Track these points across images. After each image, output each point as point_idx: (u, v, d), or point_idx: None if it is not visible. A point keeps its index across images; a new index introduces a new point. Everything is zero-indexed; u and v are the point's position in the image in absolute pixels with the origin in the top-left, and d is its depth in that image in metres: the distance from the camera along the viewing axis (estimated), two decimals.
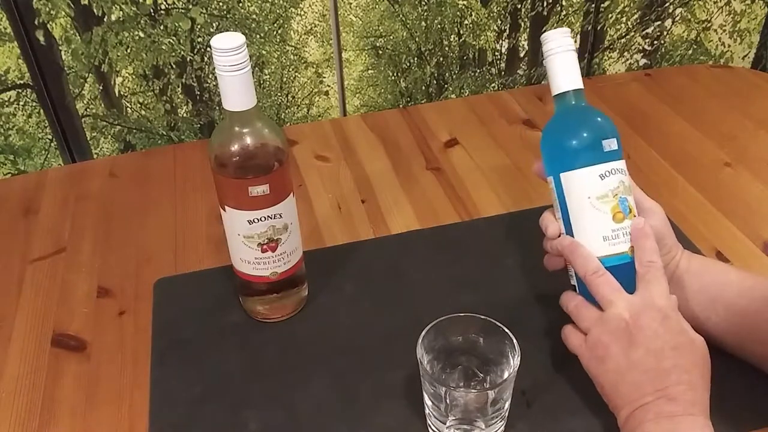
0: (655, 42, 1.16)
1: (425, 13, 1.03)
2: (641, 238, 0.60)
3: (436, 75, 1.10)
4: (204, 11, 0.94)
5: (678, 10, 1.13)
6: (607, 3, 1.10)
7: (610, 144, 0.61)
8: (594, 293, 0.60)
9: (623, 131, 1.01)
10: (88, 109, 0.97)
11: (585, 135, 0.61)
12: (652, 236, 0.61)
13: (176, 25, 0.94)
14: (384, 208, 0.90)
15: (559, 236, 0.64)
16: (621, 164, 0.62)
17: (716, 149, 0.98)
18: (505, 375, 0.59)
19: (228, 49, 0.58)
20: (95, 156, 1.02)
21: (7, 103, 0.93)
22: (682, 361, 0.56)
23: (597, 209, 0.61)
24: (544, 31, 0.64)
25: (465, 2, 1.04)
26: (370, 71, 1.07)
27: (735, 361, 0.64)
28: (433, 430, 0.61)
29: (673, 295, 0.60)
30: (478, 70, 1.11)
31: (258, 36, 0.98)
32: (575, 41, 1.12)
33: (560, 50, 0.63)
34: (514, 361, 0.58)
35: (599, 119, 0.63)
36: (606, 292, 0.59)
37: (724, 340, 0.64)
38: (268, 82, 1.03)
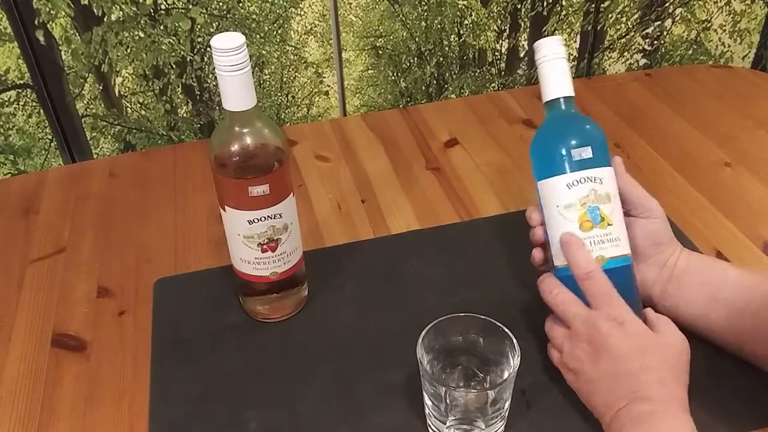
0: (655, 42, 1.16)
1: (425, 13, 1.03)
2: (570, 252, 0.61)
3: (436, 75, 1.10)
4: (204, 11, 0.94)
5: (678, 10, 1.13)
6: (607, 3, 1.10)
7: (582, 153, 0.61)
8: (557, 313, 0.61)
9: (623, 131, 1.02)
10: (88, 109, 0.97)
11: (554, 144, 0.62)
12: (581, 245, 0.61)
13: (176, 25, 0.94)
14: (384, 208, 0.90)
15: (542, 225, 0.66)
16: (596, 172, 0.62)
17: (716, 149, 0.98)
18: (505, 375, 0.59)
19: (228, 49, 0.58)
20: (95, 156, 1.02)
21: (7, 103, 0.93)
22: (650, 360, 0.56)
23: (564, 218, 0.62)
24: (542, 37, 0.66)
25: (465, 2, 1.04)
26: (370, 71, 1.07)
27: (735, 360, 0.64)
28: (433, 430, 0.61)
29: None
30: (478, 70, 1.11)
31: (258, 36, 0.98)
32: (575, 41, 1.12)
33: (550, 58, 0.64)
34: (514, 361, 0.58)
35: (576, 127, 0.63)
36: (565, 310, 0.60)
37: (724, 338, 0.64)
38: (268, 82, 1.03)
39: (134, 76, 0.96)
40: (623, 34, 1.14)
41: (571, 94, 0.64)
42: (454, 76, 1.11)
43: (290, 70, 1.03)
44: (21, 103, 0.94)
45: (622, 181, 0.64)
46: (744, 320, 0.62)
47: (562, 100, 0.64)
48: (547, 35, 1.09)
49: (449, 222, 0.87)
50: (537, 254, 0.67)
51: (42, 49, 0.91)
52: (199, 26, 0.95)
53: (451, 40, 1.07)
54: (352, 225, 0.87)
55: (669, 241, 0.66)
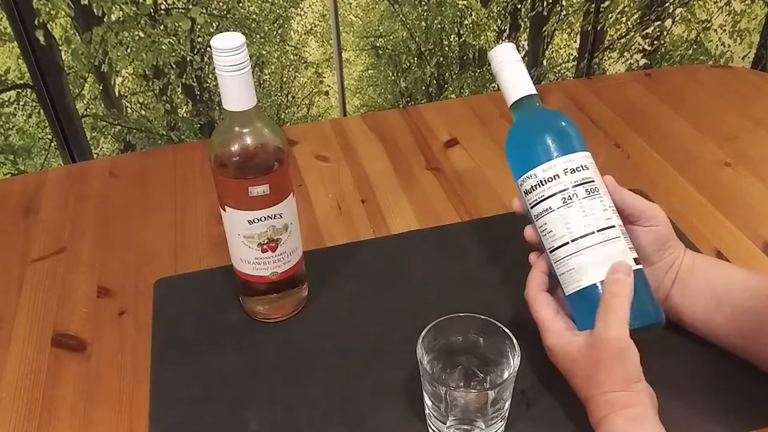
0: (655, 42, 1.16)
1: (425, 13, 1.03)
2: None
3: (436, 75, 1.10)
4: (204, 11, 0.94)
5: (678, 10, 1.13)
6: (607, 3, 1.10)
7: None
8: None
9: (623, 131, 1.02)
10: (88, 109, 0.97)
11: (529, 139, 0.64)
12: (532, 275, 0.64)
13: (176, 25, 0.94)
14: (384, 208, 0.90)
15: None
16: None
17: (716, 149, 0.98)
18: (505, 375, 0.59)
19: (228, 49, 0.58)
20: (95, 156, 1.02)
21: (7, 103, 0.93)
22: (575, 382, 0.59)
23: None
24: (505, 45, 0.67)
25: (465, 2, 1.04)
26: (370, 71, 1.07)
27: (735, 361, 0.64)
28: (433, 430, 0.61)
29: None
30: (478, 70, 1.11)
31: (258, 36, 0.98)
32: (575, 41, 1.12)
33: (507, 63, 0.65)
34: (514, 361, 0.58)
35: (548, 118, 0.64)
36: None
37: (729, 340, 0.64)
38: (268, 82, 1.03)
39: (134, 76, 0.96)
40: (623, 34, 1.14)
41: (534, 92, 0.65)
42: (454, 76, 1.11)
43: (290, 70, 1.03)
44: (21, 103, 0.94)
45: (620, 195, 0.63)
46: (749, 321, 0.62)
47: (531, 97, 0.65)
48: (547, 35, 1.10)
49: (449, 222, 0.87)
50: (528, 232, 0.67)
51: (42, 49, 0.91)
52: (199, 26, 0.95)
53: (451, 40, 1.07)
54: (352, 225, 0.87)
55: (674, 245, 0.65)
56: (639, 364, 0.56)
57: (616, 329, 0.56)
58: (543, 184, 0.61)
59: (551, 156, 0.61)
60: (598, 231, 0.59)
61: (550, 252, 0.61)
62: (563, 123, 0.63)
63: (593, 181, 0.61)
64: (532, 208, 0.62)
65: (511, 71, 0.65)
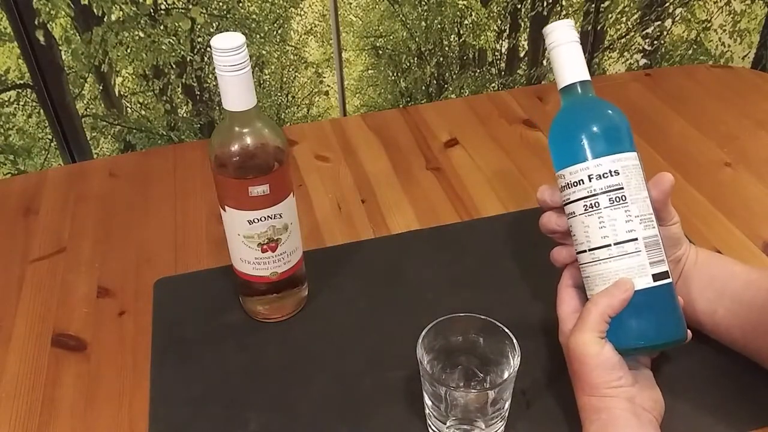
0: (655, 42, 1.16)
1: (425, 13, 1.03)
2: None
3: (436, 75, 1.10)
4: (204, 11, 0.94)
5: (678, 10, 1.13)
6: (607, 3, 1.10)
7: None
8: None
9: None
10: (88, 109, 0.97)
11: (574, 131, 0.59)
12: (564, 281, 0.63)
13: (176, 25, 0.94)
14: (384, 208, 0.90)
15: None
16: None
17: (716, 149, 0.98)
18: (505, 375, 0.59)
19: (228, 49, 0.58)
20: (95, 156, 1.02)
21: (7, 103, 0.93)
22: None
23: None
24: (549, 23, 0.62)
25: (465, 2, 1.04)
26: (370, 71, 1.07)
27: (735, 360, 0.64)
28: (433, 430, 0.61)
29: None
30: (478, 70, 1.11)
31: (258, 36, 0.98)
32: None
33: (562, 42, 0.60)
34: (514, 361, 0.58)
35: (598, 111, 0.60)
36: None
37: (730, 333, 0.64)
38: (268, 82, 1.03)
39: (134, 76, 0.96)
40: (623, 34, 1.14)
41: (588, 78, 0.60)
42: (454, 76, 1.11)
43: (290, 70, 1.03)
44: (21, 103, 0.94)
45: (665, 195, 0.61)
46: (750, 314, 0.62)
47: (579, 84, 0.60)
48: None
49: (449, 222, 0.87)
50: (544, 219, 0.65)
51: (42, 49, 0.91)
52: (199, 26, 0.95)
53: (451, 40, 1.07)
54: (352, 225, 0.87)
55: (683, 240, 0.66)
56: (613, 370, 0.56)
57: (577, 336, 0.57)
58: (569, 187, 0.58)
59: (579, 159, 0.58)
60: (615, 244, 0.56)
61: (576, 254, 0.60)
62: (605, 120, 0.59)
63: (621, 188, 0.57)
64: (564, 206, 0.60)
65: (563, 52, 0.60)
